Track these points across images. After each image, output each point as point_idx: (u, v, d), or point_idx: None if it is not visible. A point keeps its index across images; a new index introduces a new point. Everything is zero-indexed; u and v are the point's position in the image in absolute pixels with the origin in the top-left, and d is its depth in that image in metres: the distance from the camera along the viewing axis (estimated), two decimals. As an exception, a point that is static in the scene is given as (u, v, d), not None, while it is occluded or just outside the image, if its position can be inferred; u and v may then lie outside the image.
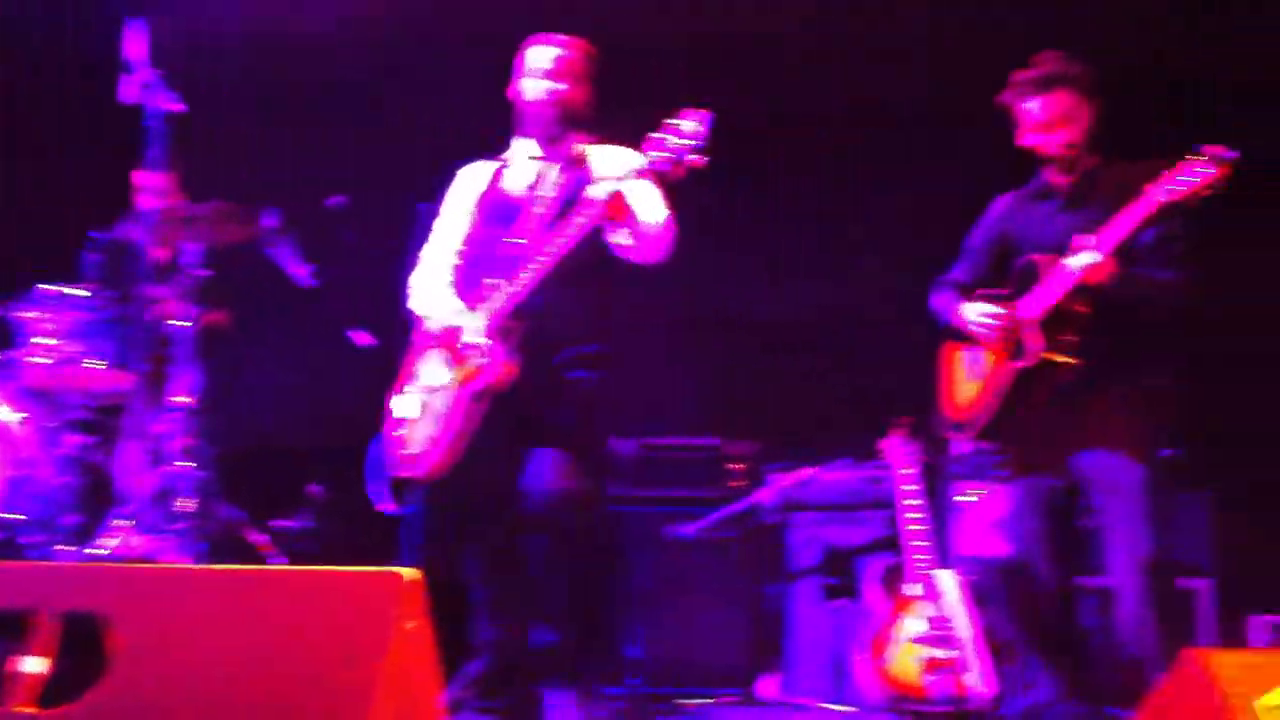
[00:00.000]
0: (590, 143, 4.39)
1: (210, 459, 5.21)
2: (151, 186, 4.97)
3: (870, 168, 6.00)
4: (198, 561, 4.87)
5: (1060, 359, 3.96)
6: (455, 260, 4.44)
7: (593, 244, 4.08)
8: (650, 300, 6.15)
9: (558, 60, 4.34)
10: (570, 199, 4.17)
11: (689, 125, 3.90)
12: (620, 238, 4.15)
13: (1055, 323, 3.96)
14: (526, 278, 4.07)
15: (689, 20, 6.15)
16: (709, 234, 6.05)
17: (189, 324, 5.13)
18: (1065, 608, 4.19)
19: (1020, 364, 4.01)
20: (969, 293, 4.32)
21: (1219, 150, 3.60)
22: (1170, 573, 3.99)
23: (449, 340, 4.21)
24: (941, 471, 5.25)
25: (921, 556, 4.79)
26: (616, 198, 3.99)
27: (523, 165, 4.42)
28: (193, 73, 5.53)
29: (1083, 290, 3.89)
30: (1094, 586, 4.88)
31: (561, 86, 4.33)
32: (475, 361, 4.10)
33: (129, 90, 4.83)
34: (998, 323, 4.10)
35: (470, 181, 4.51)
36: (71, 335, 5.12)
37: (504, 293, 4.11)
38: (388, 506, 4.41)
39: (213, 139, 6.03)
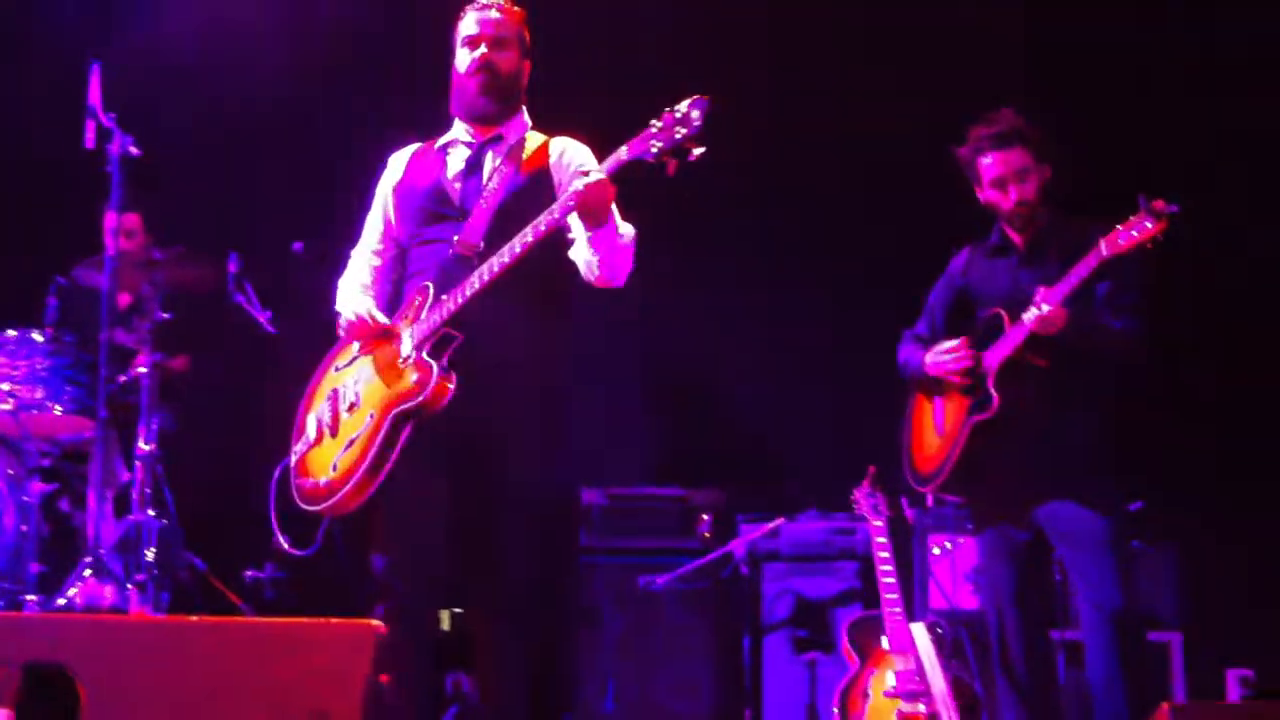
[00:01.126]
0: (539, 128, 3.85)
1: (174, 507, 5.14)
2: (115, 229, 4.92)
3: (839, 221, 6.02)
4: (163, 612, 4.79)
5: (1018, 411, 3.98)
6: (376, 260, 3.86)
7: (546, 253, 3.51)
8: (618, 348, 6.18)
9: (484, 24, 3.74)
10: (517, 192, 3.65)
11: (691, 111, 3.26)
12: (582, 250, 3.59)
13: (1013, 375, 3.99)
14: (474, 283, 3.46)
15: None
16: (679, 283, 6.10)
17: (151, 369, 5.08)
18: (1037, 661, 4.17)
19: (981, 416, 4.04)
20: (930, 346, 4.34)
21: (1161, 205, 3.69)
22: (1140, 625, 4.00)
23: (372, 348, 3.62)
24: (913, 523, 5.26)
25: (893, 609, 4.76)
26: (600, 193, 3.38)
27: (459, 150, 3.81)
28: (156, 118, 5.53)
29: (1038, 342, 3.92)
30: (1066, 640, 4.89)
31: (488, 52, 3.73)
32: (407, 377, 3.47)
33: (92, 135, 4.79)
34: (958, 359, 4.12)
35: (403, 168, 3.88)
36: (34, 380, 5.04)
37: (444, 299, 3.51)
38: (286, 545, 4.09)
39: (175, 183, 6.00)
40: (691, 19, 6.16)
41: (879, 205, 5.98)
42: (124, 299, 5.70)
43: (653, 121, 3.30)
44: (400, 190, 3.83)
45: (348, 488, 3.46)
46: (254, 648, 3.23)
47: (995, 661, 4.17)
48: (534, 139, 3.78)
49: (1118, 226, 3.75)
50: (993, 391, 4.00)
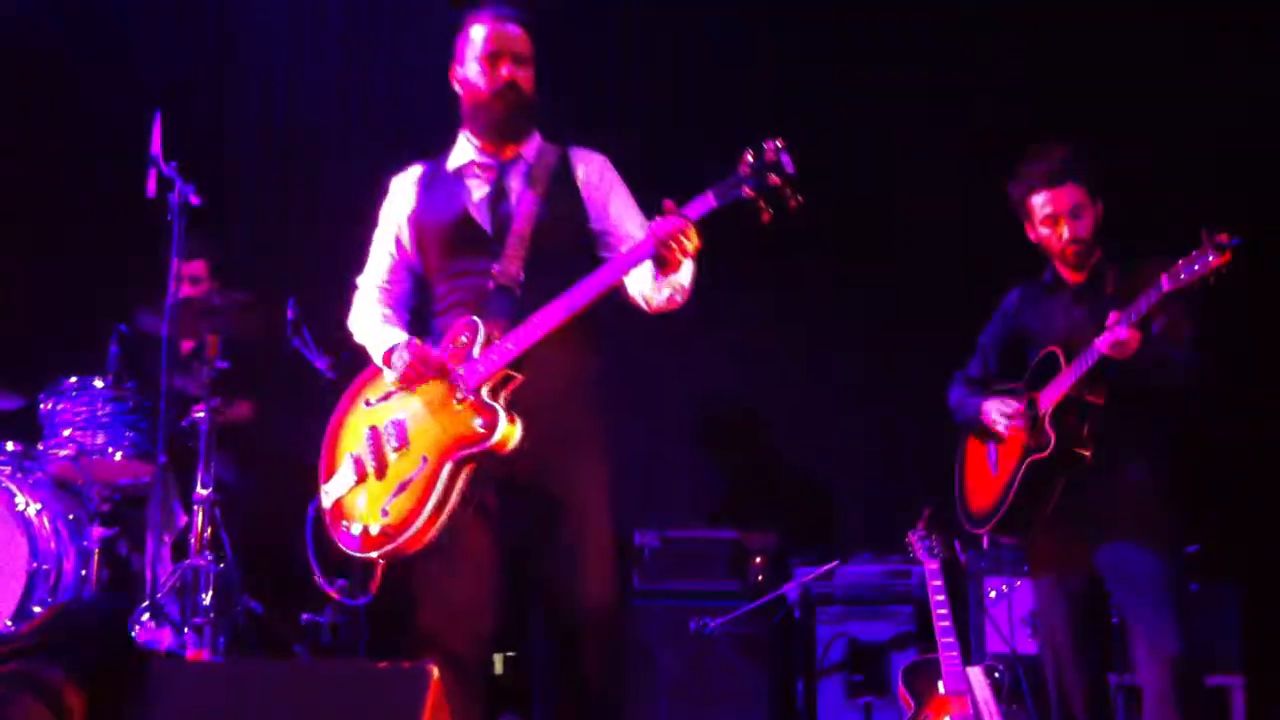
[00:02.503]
0: (549, 140, 3.70)
1: (233, 551, 5.18)
2: (177, 275, 5.00)
3: (890, 262, 6.01)
4: (219, 655, 4.83)
5: (1075, 450, 3.94)
6: (390, 290, 3.74)
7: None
8: (672, 390, 6.19)
9: (504, 39, 3.56)
10: (549, 215, 3.53)
11: (781, 156, 3.19)
12: (642, 284, 3.47)
13: (1069, 413, 3.96)
14: (537, 325, 3.35)
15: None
16: (732, 324, 6.10)
17: (210, 415, 5.14)
18: (1095, 706, 4.11)
19: (1037, 456, 4.00)
20: (983, 387, 4.32)
21: (1225, 238, 3.62)
22: (1198, 670, 3.93)
23: (414, 385, 3.46)
24: (968, 565, 5.22)
25: (949, 653, 4.72)
26: (688, 244, 3.24)
27: (478, 174, 3.65)
28: (215, 164, 5.62)
29: (1095, 378, 3.88)
30: (1125, 684, 4.83)
31: (513, 71, 3.56)
32: (469, 420, 3.34)
33: (153, 183, 4.88)
34: (1017, 419, 4.10)
35: (415, 192, 3.70)
36: (95, 426, 5.12)
37: (496, 336, 3.40)
38: (334, 592, 4.07)
39: (234, 230, 6.08)
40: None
41: (930, 244, 5.97)
42: (185, 345, 5.78)
43: (741, 167, 3.23)
44: (419, 219, 3.66)
45: (409, 534, 3.33)
46: (310, 691, 3.25)
47: (1054, 707, 4.13)
48: (551, 152, 3.65)
49: (1179, 261, 3.68)
50: (1050, 431, 3.97)
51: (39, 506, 4.91)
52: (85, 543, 4.95)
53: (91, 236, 6.42)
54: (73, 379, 5.20)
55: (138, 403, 5.23)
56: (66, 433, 5.13)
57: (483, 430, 3.30)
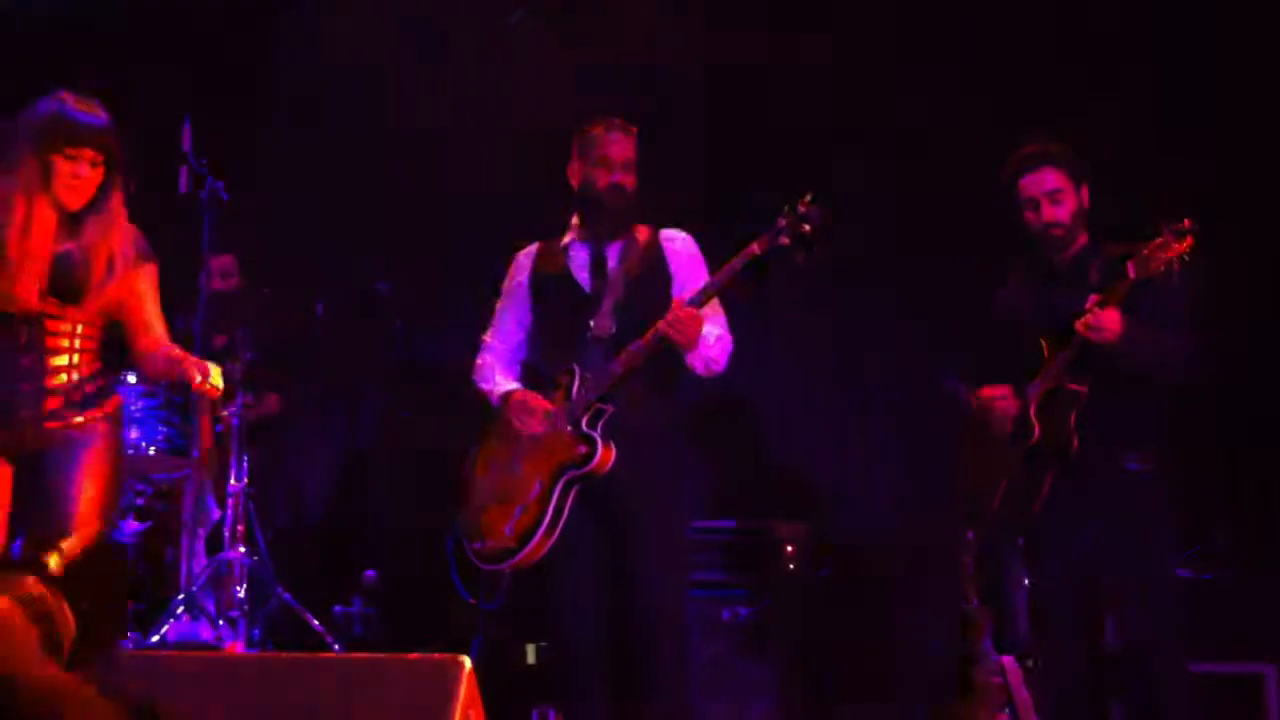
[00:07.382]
0: (644, 223, 4.27)
1: (265, 544, 5.22)
2: (208, 271, 5.04)
3: (922, 253, 5.98)
4: (254, 647, 4.87)
5: (1060, 441, 3.96)
6: (509, 343, 4.31)
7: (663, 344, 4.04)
8: (702, 380, 6.18)
9: (615, 146, 4.18)
10: (638, 283, 4.12)
11: (811, 210, 3.89)
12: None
13: (1055, 404, 3.98)
14: (618, 367, 3.98)
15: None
16: (764, 314, 6.09)
17: (242, 409, 5.18)
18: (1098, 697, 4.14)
19: (1024, 445, 4.02)
20: (980, 379, 4.29)
21: (1186, 223, 3.79)
22: (1180, 659, 3.97)
23: (535, 424, 4.06)
24: (998, 556, 5.20)
25: (980, 641, 4.72)
26: (686, 330, 3.93)
27: (583, 248, 4.25)
28: (244, 161, 5.65)
29: (1080, 364, 3.92)
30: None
31: (620, 176, 4.17)
32: (573, 448, 3.96)
33: (184, 180, 4.93)
34: (1004, 400, 4.11)
35: (530, 264, 4.32)
36: (128, 422, 5.14)
37: (589, 378, 4.01)
38: (473, 600, 4.32)
39: (264, 226, 6.11)
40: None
41: (965, 235, 5.93)
42: (218, 340, 5.81)
43: (779, 220, 3.90)
44: (532, 283, 4.27)
45: (529, 547, 3.94)
46: (343, 683, 3.28)
47: (1062, 697, 4.14)
48: (645, 231, 4.24)
49: (1144, 250, 3.82)
50: (1034, 420, 4.00)
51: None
52: (120, 537, 4.99)
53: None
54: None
55: (169, 398, 5.25)
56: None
57: (584, 455, 3.94)
